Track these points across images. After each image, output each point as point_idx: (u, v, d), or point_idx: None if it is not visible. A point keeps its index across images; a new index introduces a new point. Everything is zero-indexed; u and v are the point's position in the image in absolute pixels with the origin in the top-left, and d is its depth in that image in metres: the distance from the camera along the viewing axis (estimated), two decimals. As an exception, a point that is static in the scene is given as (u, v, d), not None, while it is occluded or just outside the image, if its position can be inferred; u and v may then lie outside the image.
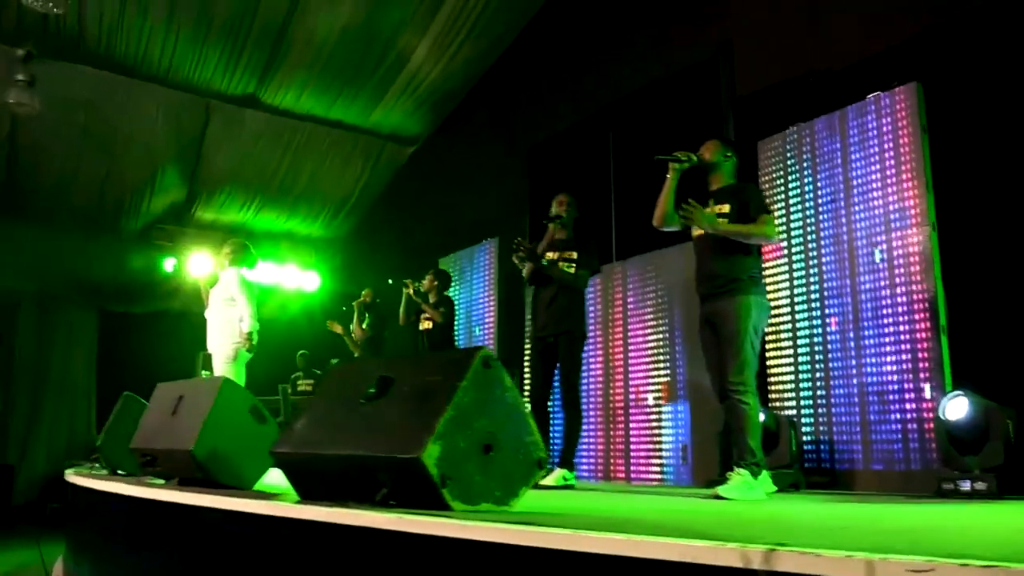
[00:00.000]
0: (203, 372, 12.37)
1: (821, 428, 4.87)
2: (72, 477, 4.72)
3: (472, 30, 8.90)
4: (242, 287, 6.02)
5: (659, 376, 5.96)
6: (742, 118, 5.77)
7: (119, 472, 4.77)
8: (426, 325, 6.44)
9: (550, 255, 5.15)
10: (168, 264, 11.06)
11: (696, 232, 4.01)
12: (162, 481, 3.72)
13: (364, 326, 7.61)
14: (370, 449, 2.32)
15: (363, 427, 2.41)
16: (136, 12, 8.14)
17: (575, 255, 5.06)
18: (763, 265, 4.37)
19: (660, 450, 5.82)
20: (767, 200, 4.36)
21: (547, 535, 1.72)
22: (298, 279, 12.07)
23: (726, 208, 3.92)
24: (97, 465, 6.06)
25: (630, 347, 6.20)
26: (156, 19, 8.29)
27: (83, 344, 11.88)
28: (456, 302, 7.27)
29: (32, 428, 11.35)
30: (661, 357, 5.98)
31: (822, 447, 4.83)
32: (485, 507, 2.35)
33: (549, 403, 4.91)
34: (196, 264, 11.12)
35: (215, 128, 9.76)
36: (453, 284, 8.57)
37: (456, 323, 7.05)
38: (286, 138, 10.21)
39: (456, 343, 6.62)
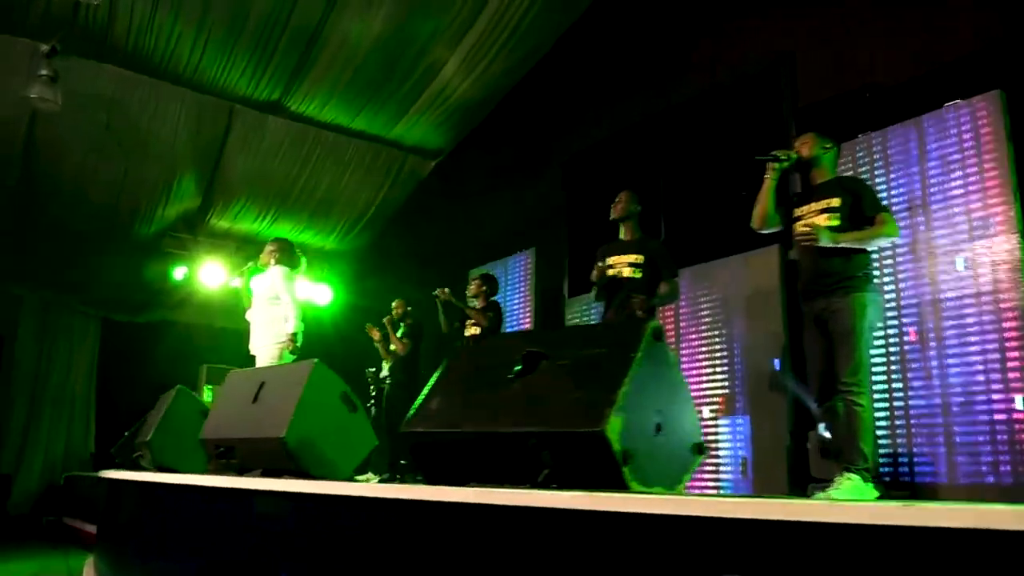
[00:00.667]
0: (206, 387, 12.10)
1: (899, 440, 4.72)
2: (125, 475, 4.44)
3: (506, 44, 8.82)
4: (288, 286, 5.80)
5: (716, 389, 5.80)
6: (805, 128, 5.67)
7: (166, 470, 4.52)
8: (473, 331, 6.25)
9: (612, 260, 5.00)
10: (178, 273, 10.80)
11: (801, 228, 3.87)
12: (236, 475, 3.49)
13: (400, 337, 7.33)
14: (534, 425, 2.14)
15: (518, 404, 2.23)
16: (168, 13, 7.98)
17: (640, 259, 4.90)
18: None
19: (717, 464, 5.64)
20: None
21: (806, 507, 1.55)
22: (309, 292, 11.83)
23: (835, 202, 3.80)
24: (118, 467, 5.80)
25: (683, 360, 6.04)
26: (188, 21, 8.13)
27: (84, 353, 11.56)
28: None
29: (29, 437, 10.96)
30: (718, 370, 5.82)
31: (900, 460, 4.68)
32: (657, 491, 2.17)
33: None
34: (207, 274, 10.90)
35: (237, 134, 9.58)
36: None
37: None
38: (307, 147, 10.05)
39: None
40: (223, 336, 12.15)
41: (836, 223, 3.75)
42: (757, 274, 5.67)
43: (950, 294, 4.64)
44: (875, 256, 5.06)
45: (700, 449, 2.38)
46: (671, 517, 1.68)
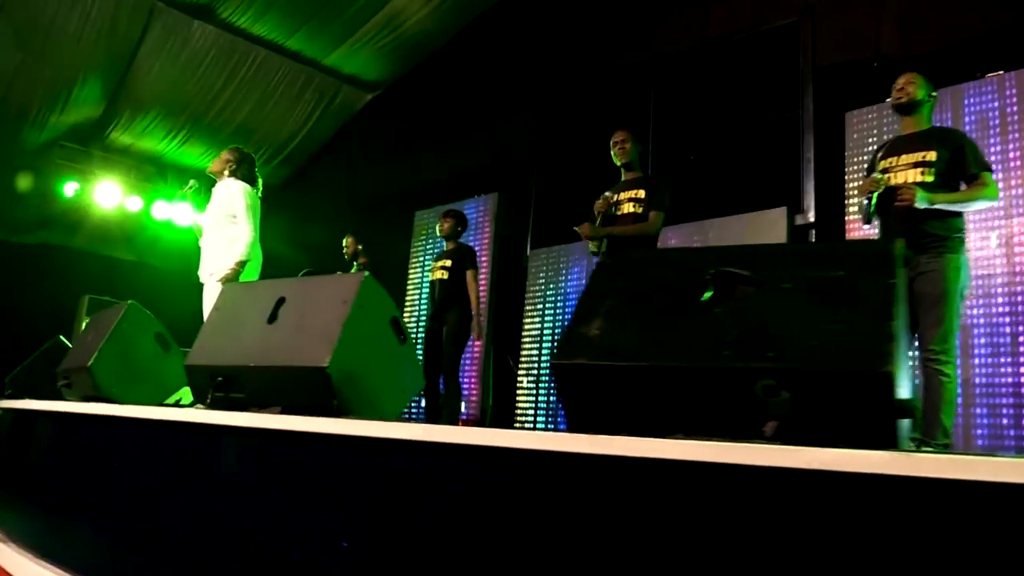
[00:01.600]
0: (85, 319, 10.85)
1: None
2: (60, 406, 3.60)
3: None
4: (248, 203, 4.99)
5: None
6: (824, 88, 5.40)
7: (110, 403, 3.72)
8: (440, 275, 5.61)
9: (619, 196, 4.54)
10: (69, 188, 9.53)
11: (893, 181, 3.51)
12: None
13: None
14: (769, 360, 1.64)
15: (733, 334, 1.72)
16: None
17: (642, 193, 4.47)
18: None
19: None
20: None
21: None
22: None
23: (931, 155, 3.46)
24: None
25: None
26: None
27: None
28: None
29: None
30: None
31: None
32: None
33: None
34: (103, 193, 9.72)
35: (155, 36, 8.45)
36: (432, 241, 7.79)
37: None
38: (233, 62, 9.02)
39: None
40: (113, 266, 10.94)
41: (930, 179, 3.41)
42: (761, 235, 5.35)
43: (980, 271, 4.45)
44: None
45: (909, 411, 1.95)
46: None
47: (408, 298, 7.74)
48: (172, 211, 10.31)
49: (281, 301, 2.80)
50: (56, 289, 10.39)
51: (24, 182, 9.33)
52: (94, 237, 10.29)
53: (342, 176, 9.90)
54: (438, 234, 5.82)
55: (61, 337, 5.27)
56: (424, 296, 7.56)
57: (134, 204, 9.99)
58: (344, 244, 6.79)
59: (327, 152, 10.39)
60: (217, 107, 9.43)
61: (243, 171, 5.15)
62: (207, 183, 5.53)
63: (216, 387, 2.79)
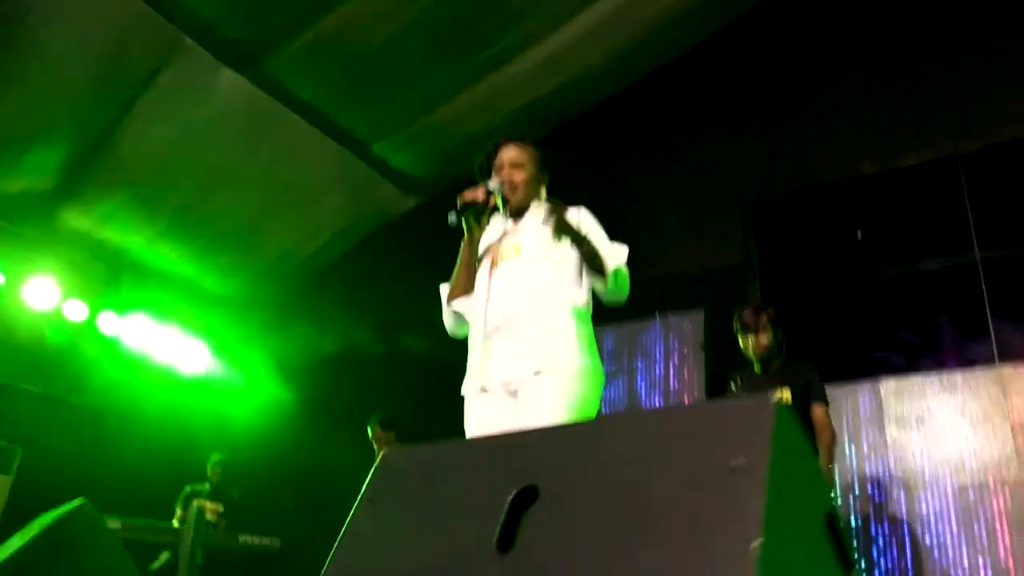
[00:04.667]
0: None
1: None
2: None
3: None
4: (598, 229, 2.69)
5: None
6: None
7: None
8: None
9: None
10: (-10, 281, 6.71)
11: None
12: None
13: None
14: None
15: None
16: None
17: None
18: None
19: None
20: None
21: None
22: (174, 351, 8.03)
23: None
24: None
25: None
26: None
27: None
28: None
29: None
30: None
31: None
32: None
33: None
34: (34, 292, 6.97)
35: (167, 81, 6.11)
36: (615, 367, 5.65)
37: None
38: (260, 131, 6.77)
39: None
40: (19, 402, 7.84)
41: None
42: None
43: None
44: None
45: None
46: None
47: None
48: (122, 327, 7.62)
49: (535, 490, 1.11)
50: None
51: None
52: (6, 356, 7.33)
53: (369, 290, 7.65)
54: (751, 353, 3.72)
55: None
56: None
57: (75, 311, 7.24)
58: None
59: (359, 258, 8.12)
60: (221, 191, 7.07)
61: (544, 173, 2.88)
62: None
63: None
